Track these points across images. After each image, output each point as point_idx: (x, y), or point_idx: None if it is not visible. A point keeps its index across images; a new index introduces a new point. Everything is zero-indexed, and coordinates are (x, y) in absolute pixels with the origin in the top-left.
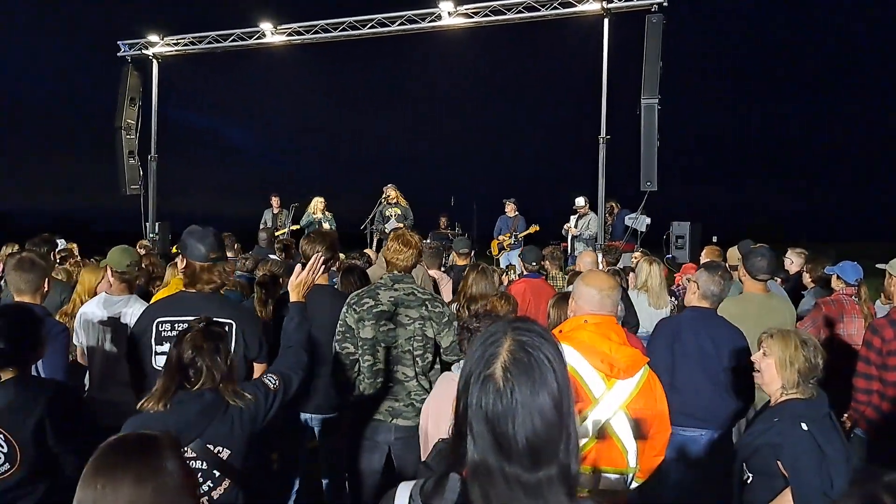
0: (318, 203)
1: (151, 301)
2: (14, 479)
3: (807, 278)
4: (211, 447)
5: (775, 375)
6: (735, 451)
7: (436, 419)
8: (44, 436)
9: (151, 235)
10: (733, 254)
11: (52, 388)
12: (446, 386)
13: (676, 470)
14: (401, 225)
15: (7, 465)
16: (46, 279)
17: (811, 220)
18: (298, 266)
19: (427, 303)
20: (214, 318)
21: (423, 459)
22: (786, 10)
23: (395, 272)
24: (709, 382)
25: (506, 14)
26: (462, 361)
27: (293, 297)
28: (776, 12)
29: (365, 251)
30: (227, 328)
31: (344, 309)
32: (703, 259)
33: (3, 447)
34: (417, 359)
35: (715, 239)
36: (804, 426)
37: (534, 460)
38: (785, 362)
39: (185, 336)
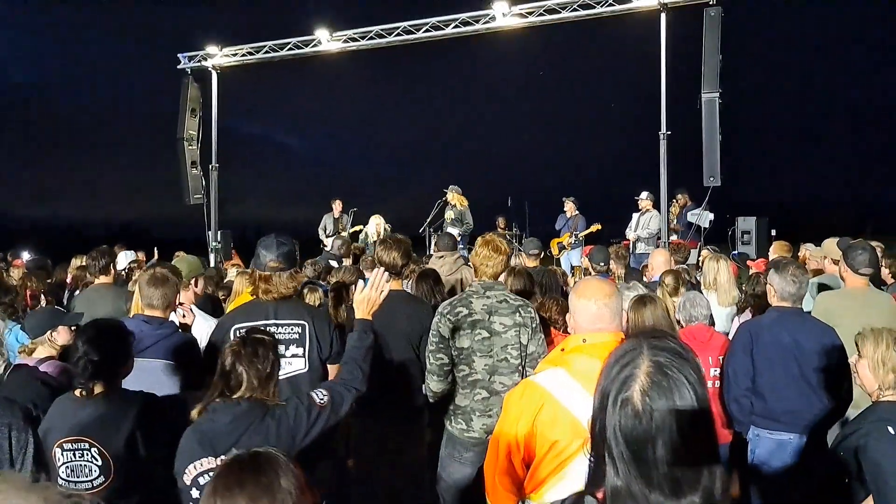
0: (377, 223)
1: (227, 311)
2: (110, 491)
3: (886, 273)
4: None
5: (870, 377)
6: (829, 455)
7: None
8: (136, 447)
9: (214, 244)
10: (831, 248)
11: (140, 401)
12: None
13: (767, 473)
14: (457, 229)
15: (102, 478)
16: (178, 294)
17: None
18: (361, 282)
19: (520, 309)
20: (287, 321)
21: None
22: None
23: (485, 279)
24: (792, 384)
25: (560, 13)
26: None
27: (357, 314)
28: None
29: (427, 256)
30: (299, 329)
31: (436, 318)
32: (772, 255)
33: (97, 460)
34: (517, 367)
35: (774, 233)
36: (891, 430)
37: (676, 486)
38: (877, 363)
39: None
